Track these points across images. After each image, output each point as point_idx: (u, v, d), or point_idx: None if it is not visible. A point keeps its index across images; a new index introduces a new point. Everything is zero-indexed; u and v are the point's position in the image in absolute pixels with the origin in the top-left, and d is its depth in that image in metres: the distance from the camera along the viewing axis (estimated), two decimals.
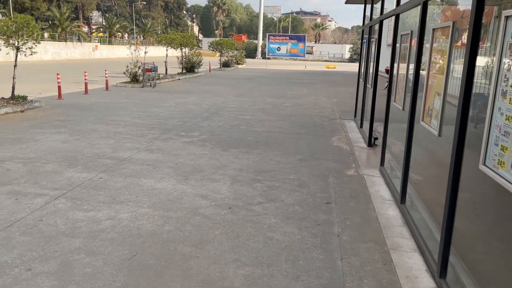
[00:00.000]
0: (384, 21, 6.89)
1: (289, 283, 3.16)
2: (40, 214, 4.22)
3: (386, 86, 6.12)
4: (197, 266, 3.36)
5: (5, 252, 3.46)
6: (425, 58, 4.15)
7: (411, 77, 4.57)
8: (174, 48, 22.51)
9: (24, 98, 10.79)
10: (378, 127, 7.69)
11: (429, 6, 4.19)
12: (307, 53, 46.04)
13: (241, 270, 3.33)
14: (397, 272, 3.31)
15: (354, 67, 35.23)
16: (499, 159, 2.28)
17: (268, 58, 45.13)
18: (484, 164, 2.43)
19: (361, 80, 9.90)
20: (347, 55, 64.22)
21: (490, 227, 2.91)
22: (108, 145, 7.08)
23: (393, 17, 5.81)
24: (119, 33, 62.07)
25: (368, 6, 9.15)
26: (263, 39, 58.54)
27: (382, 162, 5.96)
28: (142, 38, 64.00)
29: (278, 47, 40.40)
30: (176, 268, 3.32)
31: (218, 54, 34.12)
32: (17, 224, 3.97)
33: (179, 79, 20.98)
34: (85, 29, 57.52)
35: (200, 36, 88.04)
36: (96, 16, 78.59)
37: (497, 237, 2.78)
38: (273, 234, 3.98)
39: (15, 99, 10.61)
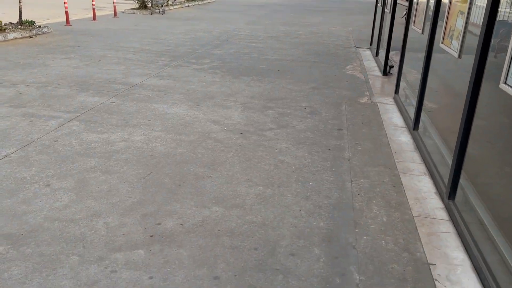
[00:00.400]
0: None
1: (299, 202, 3.24)
2: (55, 135, 4.29)
3: (405, 14, 5.83)
4: (210, 185, 3.44)
5: (23, 169, 3.57)
6: None
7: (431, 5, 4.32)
8: None
9: (31, 23, 10.57)
10: (394, 56, 7.44)
11: None
12: None
13: (253, 189, 3.41)
14: (406, 194, 3.36)
15: None
16: None
17: None
18: (505, 83, 2.35)
19: (378, 5, 9.44)
20: None
21: (504, 154, 2.88)
22: (119, 71, 7.01)
23: None
24: None
25: None
26: None
27: (396, 90, 5.85)
28: None
29: None
30: (190, 186, 3.41)
31: None
32: (33, 144, 4.05)
33: (188, 5, 20.25)
34: None
35: None
36: None
37: (510, 163, 2.76)
38: (284, 157, 4.02)
39: (23, 24, 10.40)
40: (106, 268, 2.45)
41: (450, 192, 3.12)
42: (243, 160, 3.94)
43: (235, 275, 2.43)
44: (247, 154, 4.06)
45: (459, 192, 3.13)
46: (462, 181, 3.13)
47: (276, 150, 4.17)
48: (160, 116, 4.95)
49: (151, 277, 2.39)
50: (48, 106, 5.12)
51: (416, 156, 4.05)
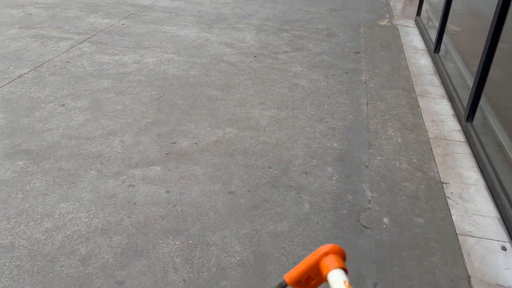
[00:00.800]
0: None
1: (313, 124, 3.22)
2: (67, 56, 4.24)
3: None
4: (223, 107, 3.42)
5: (38, 89, 3.57)
6: None
7: None
8: None
9: None
10: None
11: None
12: None
13: (267, 112, 3.38)
14: (423, 116, 3.30)
15: None
16: None
17: None
18: None
19: None
20: None
21: None
22: None
23: None
24: None
25: None
26: None
27: (418, 12, 5.55)
28: None
29: None
30: (203, 108, 3.40)
31: None
32: (46, 65, 4.02)
33: None
34: None
35: None
36: None
37: None
38: (299, 81, 3.94)
39: None
40: (123, 182, 2.52)
41: (468, 114, 3.05)
42: (257, 83, 3.87)
43: (249, 191, 2.49)
44: (260, 77, 3.98)
45: (478, 114, 3.06)
46: (481, 103, 3.05)
47: (291, 73, 4.08)
48: (172, 39, 4.82)
49: (168, 191, 2.46)
50: (58, 27, 5.01)
51: (435, 79, 3.93)
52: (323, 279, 0.62)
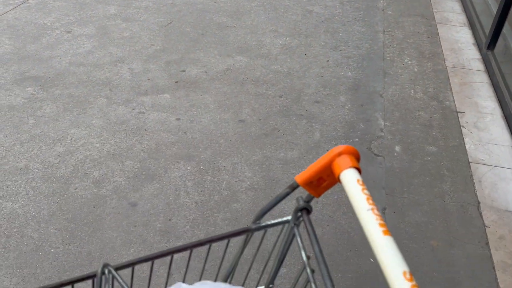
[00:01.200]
0: None
1: (327, 52, 3.11)
2: None
3: None
4: (233, 35, 3.31)
5: (43, 15, 3.47)
6: None
7: None
8: None
9: None
10: None
11: None
12: None
13: (279, 40, 3.26)
14: (442, 44, 3.16)
15: None
16: None
17: None
18: None
19: None
20: None
21: None
22: None
23: None
24: None
25: None
26: None
27: None
28: None
29: None
30: (212, 36, 3.29)
31: None
32: None
33: None
34: None
35: None
36: None
37: None
38: (313, 7, 3.76)
39: None
40: (133, 109, 2.50)
41: (490, 42, 2.91)
42: (269, 9, 3.71)
43: (260, 119, 2.46)
44: (273, 4, 3.80)
45: (499, 42, 2.92)
46: (505, 31, 2.90)
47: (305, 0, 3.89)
48: None
49: (178, 119, 2.44)
50: None
51: (456, 6, 3.72)
52: (336, 180, 0.60)
